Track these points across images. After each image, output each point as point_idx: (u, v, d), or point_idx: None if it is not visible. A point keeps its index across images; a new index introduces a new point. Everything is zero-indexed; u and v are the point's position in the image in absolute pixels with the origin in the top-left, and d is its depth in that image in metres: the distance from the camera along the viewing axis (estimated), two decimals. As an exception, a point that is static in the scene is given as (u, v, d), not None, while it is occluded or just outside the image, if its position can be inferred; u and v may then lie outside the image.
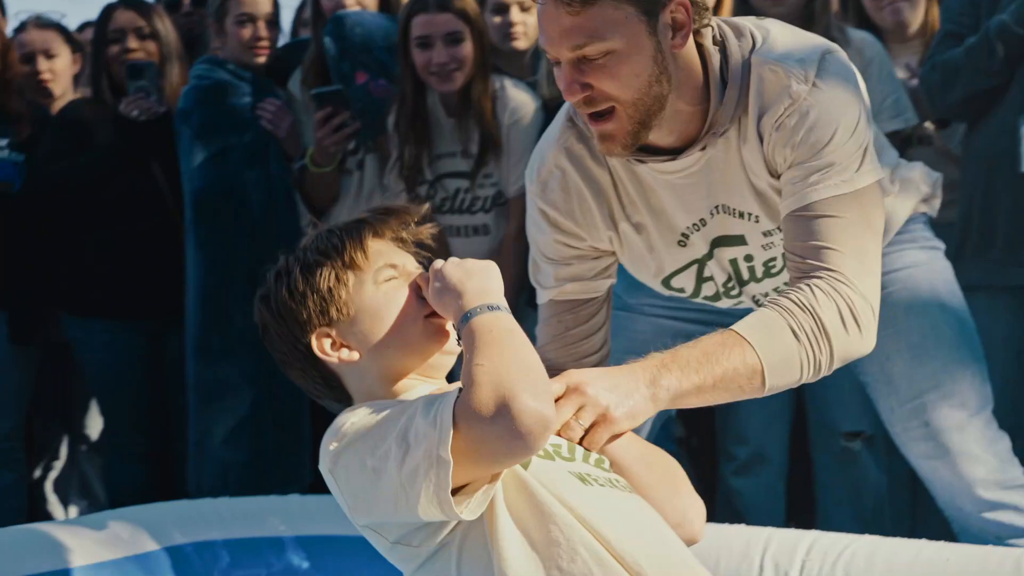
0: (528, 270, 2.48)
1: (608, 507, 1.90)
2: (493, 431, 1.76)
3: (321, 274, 2.03)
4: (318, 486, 3.02)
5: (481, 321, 1.89)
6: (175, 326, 4.35)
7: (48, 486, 4.95)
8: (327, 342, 2.04)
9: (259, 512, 2.89)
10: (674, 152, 2.25)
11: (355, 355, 2.04)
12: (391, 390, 2.04)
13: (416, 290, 2.05)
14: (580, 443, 2.00)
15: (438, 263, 2.03)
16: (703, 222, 2.35)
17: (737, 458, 4.02)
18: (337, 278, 2.03)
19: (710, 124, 2.20)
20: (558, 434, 1.99)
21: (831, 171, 2.16)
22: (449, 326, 2.03)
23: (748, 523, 2.94)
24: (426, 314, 2.04)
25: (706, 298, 2.54)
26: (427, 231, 2.08)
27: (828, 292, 2.12)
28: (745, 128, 2.20)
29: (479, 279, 1.96)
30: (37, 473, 4.93)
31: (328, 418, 4.06)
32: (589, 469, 1.98)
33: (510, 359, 1.82)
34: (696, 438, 4.38)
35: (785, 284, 2.37)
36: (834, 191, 2.16)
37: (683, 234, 2.37)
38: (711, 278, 2.48)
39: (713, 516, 2.66)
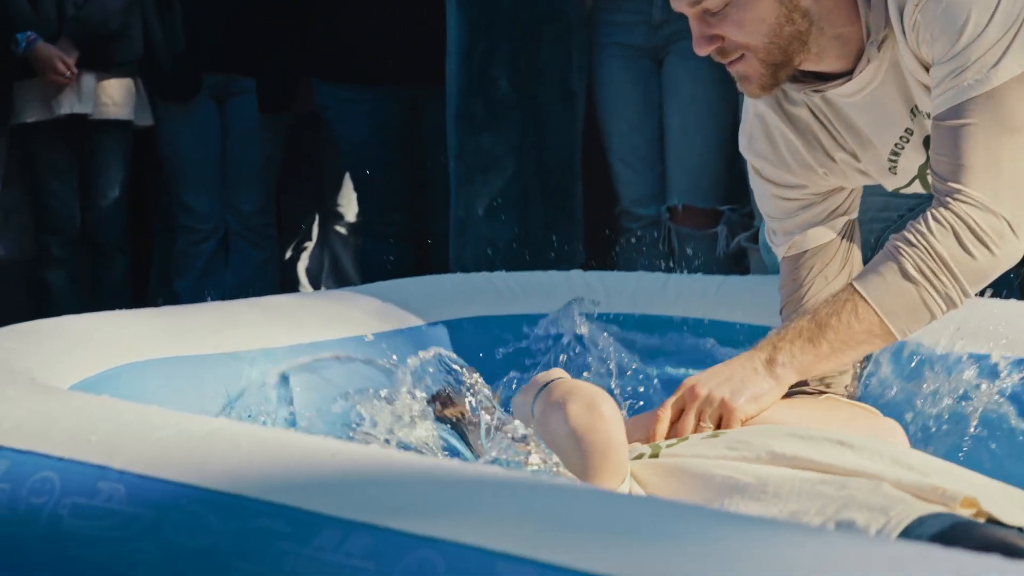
0: (767, 238, 2.45)
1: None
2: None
3: None
4: (592, 268, 2.97)
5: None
6: (435, 94, 4.33)
7: (300, 268, 5.05)
8: None
9: (543, 286, 2.83)
10: (848, 73, 2.24)
11: None
12: None
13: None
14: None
15: None
16: (909, 132, 2.28)
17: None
18: None
19: (867, 34, 2.19)
20: (695, 432, 2.07)
21: (964, 71, 2.10)
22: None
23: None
24: None
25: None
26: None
27: (944, 218, 2.11)
28: (897, 29, 2.17)
29: None
30: (288, 254, 5.02)
31: (603, 192, 3.98)
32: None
33: None
34: None
35: None
36: (963, 95, 2.10)
37: (890, 159, 2.31)
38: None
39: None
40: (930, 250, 2.09)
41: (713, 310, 2.75)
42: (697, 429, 2.07)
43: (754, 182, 2.42)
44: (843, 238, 2.36)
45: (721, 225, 3.97)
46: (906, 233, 2.13)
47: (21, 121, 4.46)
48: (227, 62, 4.58)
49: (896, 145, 2.28)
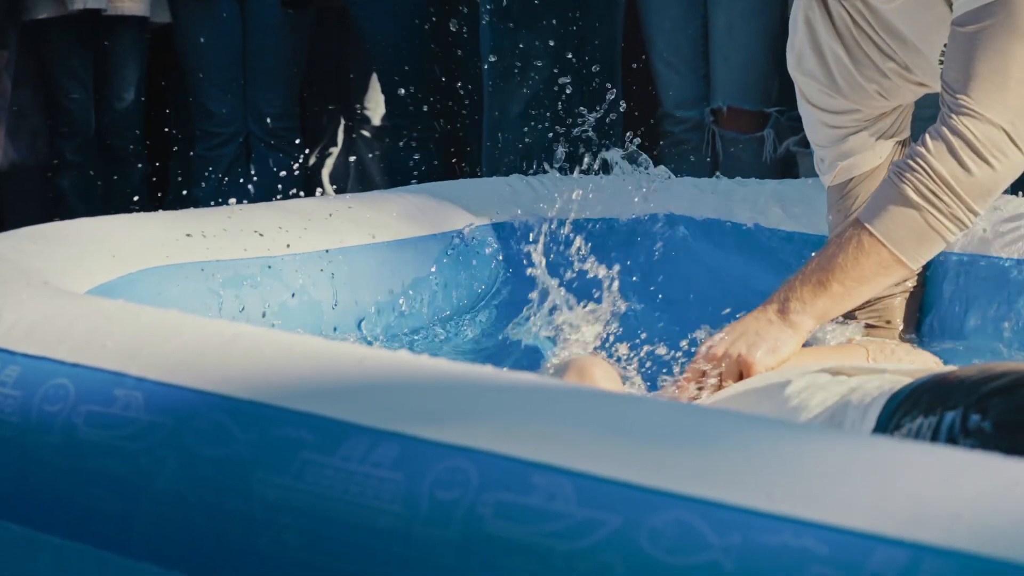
0: (815, 166, 2.47)
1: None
2: None
3: None
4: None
5: None
6: None
7: (324, 174, 5.03)
8: None
9: (584, 189, 2.81)
10: None
11: None
12: None
13: None
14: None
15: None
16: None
17: None
18: None
19: None
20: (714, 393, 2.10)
21: None
22: None
23: None
24: None
25: None
26: None
27: (942, 135, 2.10)
28: None
29: None
30: (312, 159, 5.01)
31: (644, 94, 3.93)
32: None
33: None
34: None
35: None
36: (974, 3, 2.08)
37: (941, 61, 2.26)
38: None
39: None
40: (929, 171, 2.08)
41: (764, 216, 2.72)
42: (716, 387, 2.09)
43: (802, 108, 2.41)
44: (894, 160, 2.32)
45: (769, 129, 3.92)
46: (906, 158, 2.13)
47: (32, 17, 4.43)
48: (247, -43, 4.54)
49: (942, 58, 2.25)
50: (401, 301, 2.50)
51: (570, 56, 4.04)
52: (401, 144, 4.57)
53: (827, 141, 2.38)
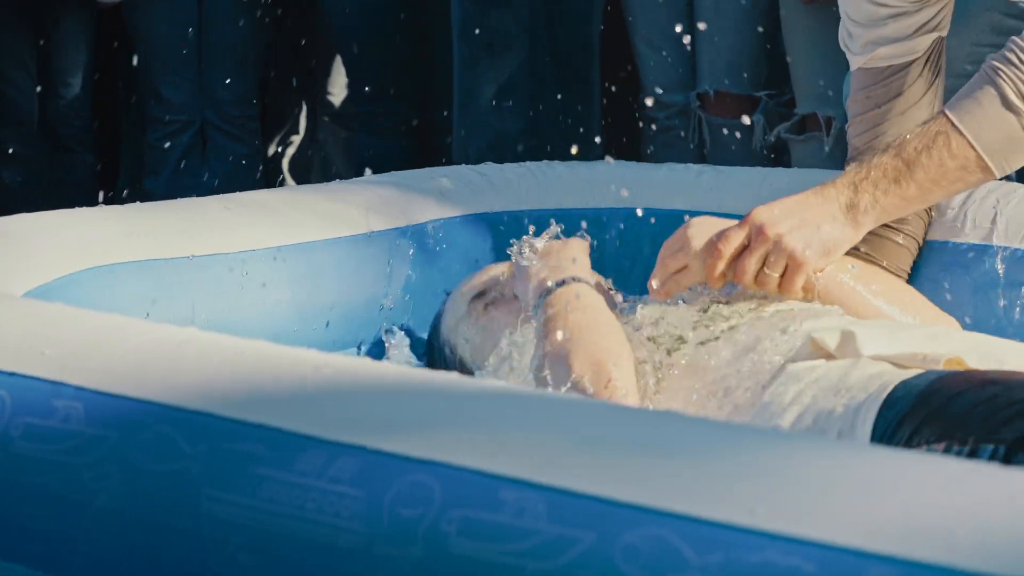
0: (839, 39, 2.42)
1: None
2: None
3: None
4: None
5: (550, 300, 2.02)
6: None
7: (285, 164, 5.02)
8: None
9: (560, 180, 2.81)
10: None
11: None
12: None
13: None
14: (779, 290, 2.10)
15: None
16: None
17: None
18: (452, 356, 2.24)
19: None
20: (755, 284, 2.08)
21: None
22: None
23: None
24: None
25: None
26: None
27: None
28: None
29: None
30: (272, 148, 4.99)
31: (625, 77, 3.92)
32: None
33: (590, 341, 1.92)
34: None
35: None
36: None
37: None
38: None
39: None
40: None
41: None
42: (759, 276, 2.06)
43: None
44: (930, 57, 2.33)
45: (758, 114, 3.92)
46: (1006, 52, 2.07)
47: (-30, -2, 4.41)
48: (204, -68, 4.52)
49: None
50: (364, 301, 2.49)
51: (545, 35, 4.04)
52: (368, 131, 4.56)
53: (864, 18, 2.32)
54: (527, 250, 2.14)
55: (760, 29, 3.89)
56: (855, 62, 2.36)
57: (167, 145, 4.63)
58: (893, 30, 2.29)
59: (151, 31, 4.59)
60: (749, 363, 1.92)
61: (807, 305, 2.09)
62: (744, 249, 2.07)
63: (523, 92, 4.07)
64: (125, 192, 4.72)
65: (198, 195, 4.34)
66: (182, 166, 4.62)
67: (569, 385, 1.87)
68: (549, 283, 2.05)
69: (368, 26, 4.44)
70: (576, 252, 2.14)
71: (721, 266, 2.07)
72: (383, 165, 4.26)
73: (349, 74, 4.66)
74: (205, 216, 2.47)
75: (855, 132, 2.35)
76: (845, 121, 2.41)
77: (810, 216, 2.07)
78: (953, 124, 2.07)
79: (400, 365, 1.42)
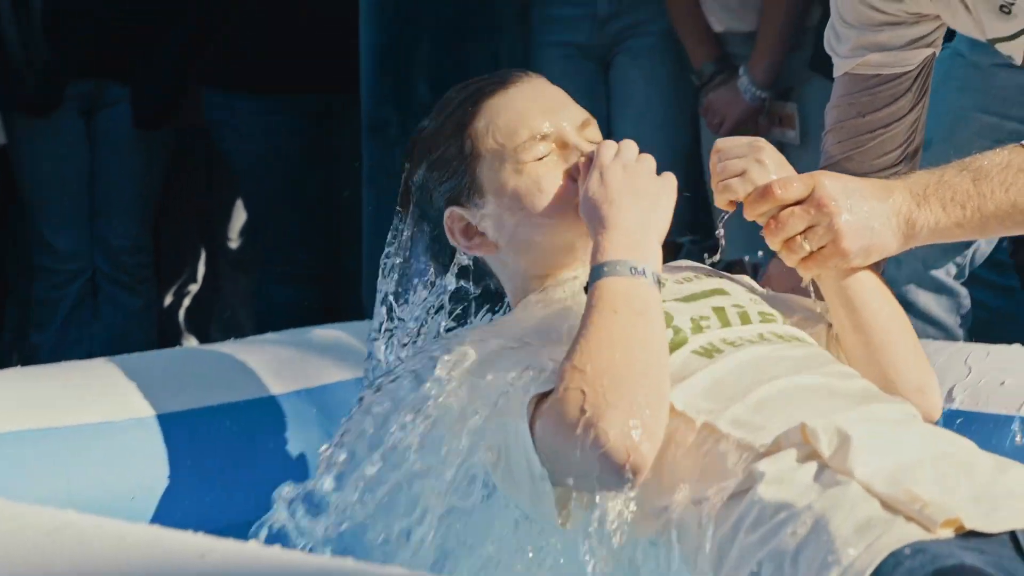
0: (824, 41, 2.47)
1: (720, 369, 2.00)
2: (572, 458, 1.88)
3: (441, 146, 2.22)
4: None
5: (610, 288, 1.96)
6: (347, 104, 4.32)
7: (182, 315, 5.00)
8: (459, 226, 2.21)
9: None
10: None
11: (491, 247, 2.19)
12: (541, 285, 2.20)
13: (574, 174, 2.14)
14: (800, 262, 2.13)
15: (603, 150, 2.08)
16: None
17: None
18: (460, 152, 2.18)
19: None
20: (783, 246, 2.10)
21: None
22: None
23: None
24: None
25: None
26: None
27: None
28: None
29: (639, 210, 2.03)
30: (168, 299, 4.98)
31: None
32: (739, 332, 2.08)
33: (619, 361, 1.89)
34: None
35: None
36: None
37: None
38: None
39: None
40: None
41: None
42: (793, 240, 2.08)
43: None
44: (920, 73, 2.39)
45: (681, 259, 3.96)
46: None
47: None
48: (96, 67, 4.54)
49: None
50: (260, 473, 2.48)
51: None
52: (272, 280, 4.57)
53: (857, 20, 2.37)
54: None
55: (681, 168, 3.95)
56: (841, 66, 2.40)
57: (55, 296, 4.60)
58: (887, 37, 2.35)
59: (38, 173, 4.58)
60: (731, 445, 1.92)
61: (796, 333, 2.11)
62: (796, 204, 2.09)
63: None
64: (10, 347, 4.70)
65: (88, 350, 4.35)
66: (71, 319, 4.59)
67: (586, 448, 1.85)
68: (618, 265, 1.98)
69: (271, 168, 4.47)
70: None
71: (766, 208, 2.09)
72: (288, 315, 4.28)
73: (251, 218, 4.67)
74: (89, 380, 2.47)
75: (834, 140, 2.40)
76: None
77: (872, 212, 2.10)
78: None
79: (289, 550, 1.41)
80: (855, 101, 2.39)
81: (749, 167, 2.11)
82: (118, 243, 4.62)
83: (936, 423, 2.20)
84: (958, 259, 3.11)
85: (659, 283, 1.99)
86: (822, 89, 2.27)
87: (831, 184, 2.09)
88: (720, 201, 2.15)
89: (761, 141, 2.15)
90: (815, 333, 2.21)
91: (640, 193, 2.04)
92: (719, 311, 2.12)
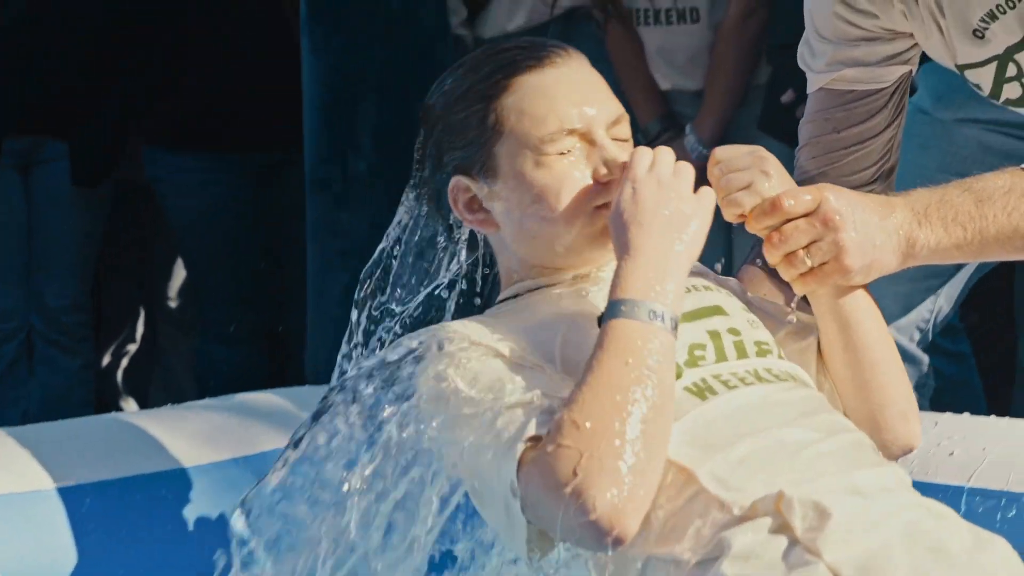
0: (798, 57, 2.47)
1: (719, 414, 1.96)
2: (555, 514, 1.84)
3: (463, 111, 2.11)
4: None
5: (625, 333, 1.90)
6: (291, 162, 4.32)
7: (120, 377, 4.97)
8: (464, 197, 2.12)
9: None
10: None
11: (493, 226, 2.12)
12: (538, 275, 2.13)
13: (595, 177, 2.07)
14: (799, 278, 2.09)
15: (638, 161, 2.00)
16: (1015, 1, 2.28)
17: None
18: (482, 123, 2.08)
19: None
20: (784, 260, 2.06)
21: None
22: None
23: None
24: (598, 204, 2.05)
25: (1008, 102, 2.48)
26: None
27: None
28: None
29: (668, 238, 1.95)
30: (107, 359, 4.95)
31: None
32: (733, 367, 2.03)
33: (621, 425, 1.84)
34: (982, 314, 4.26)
35: None
36: None
37: (981, 22, 2.32)
38: (1016, 78, 2.41)
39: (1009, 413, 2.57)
40: None
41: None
42: (793, 254, 2.05)
43: None
44: (896, 90, 2.39)
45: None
46: None
47: None
48: (34, 123, 4.51)
49: (998, 8, 2.28)
50: (195, 545, 2.45)
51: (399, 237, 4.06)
52: (214, 341, 4.55)
53: (834, 35, 2.37)
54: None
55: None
56: (816, 81, 2.40)
57: (-11, 357, 4.57)
58: (863, 53, 2.35)
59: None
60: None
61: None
62: (801, 218, 2.06)
63: (376, 294, 4.07)
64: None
65: (24, 410, 4.31)
66: (5, 381, 4.55)
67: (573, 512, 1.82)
68: (637, 304, 1.92)
69: (213, 226, 4.46)
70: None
71: (772, 222, 2.04)
72: (230, 376, 4.26)
73: (192, 277, 4.65)
74: (25, 447, 2.44)
75: (808, 155, 2.39)
76: None
77: (875, 228, 2.08)
78: None
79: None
80: (830, 116, 2.39)
81: (755, 179, 2.07)
82: (56, 302, 4.59)
83: None
84: (921, 324, 3.12)
85: (676, 327, 1.93)
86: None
87: (837, 198, 2.07)
88: (728, 215, 2.09)
89: (762, 150, 2.12)
90: (804, 348, 2.18)
91: (673, 216, 1.97)
92: (715, 338, 2.06)
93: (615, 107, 2.10)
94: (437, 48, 4.13)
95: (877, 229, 2.09)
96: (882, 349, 2.16)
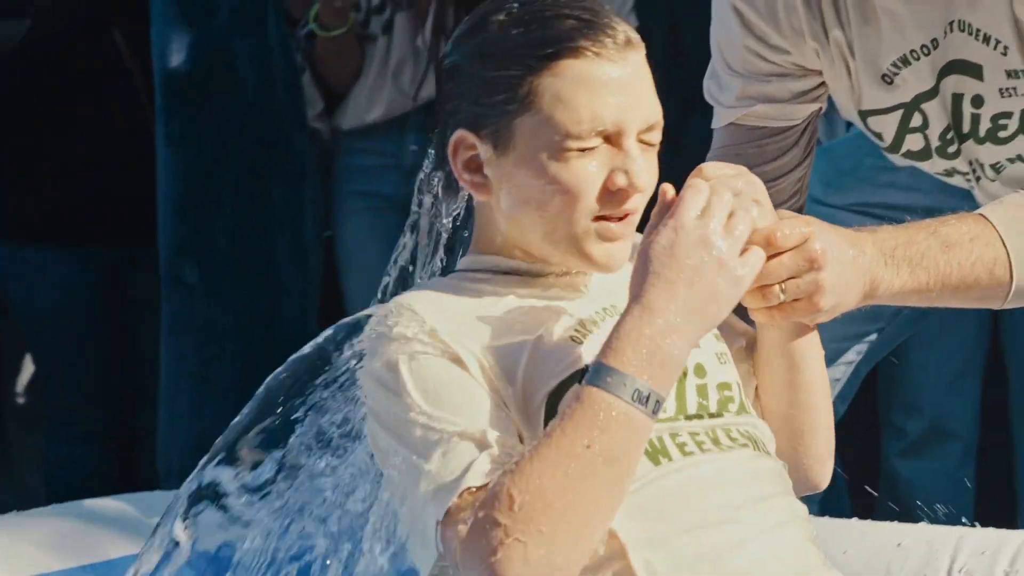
0: (704, 90, 2.48)
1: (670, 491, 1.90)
2: None
3: (496, 68, 1.96)
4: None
5: (599, 409, 1.80)
6: (143, 255, 4.29)
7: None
8: (465, 154, 1.99)
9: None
10: None
11: (486, 193, 2.00)
12: (512, 255, 2.03)
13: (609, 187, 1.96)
14: (770, 311, 2.03)
15: (689, 203, 1.86)
16: (934, 43, 2.32)
17: (908, 434, 4.08)
18: (512, 90, 1.93)
19: None
20: (757, 290, 1.98)
21: None
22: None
23: (921, 520, 2.86)
24: (599, 215, 1.95)
25: (909, 153, 2.53)
26: None
27: None
28: None
29: (687, 308, 1.83)
30: (-51, 459, 4.87)
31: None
32: (692, 427, 1.95)
33: (561, 515, 1.76)
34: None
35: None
36: None
37: (892, 67, 2.38)
38: (920, 129, 2.47)
39: (874, 510, 2.57)
40: None
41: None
42: (768, 288, 1.97)
43: (725, 25, 2.39)
44: (807, 128, 2.45)
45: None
46: None
47: None
48: None
49: (912, 54, 2.32)
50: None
51: (259, 330, 4.04)
52: (63, 441, 4.45)
53: (745, 70, 2.39)
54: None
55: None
56: (726, 116, 2.41)
57: None
58: (775, 89, 2.38)
59: None
60: None
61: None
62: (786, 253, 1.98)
63: (232, 395, 4.04)
64: None
65: None
66: None
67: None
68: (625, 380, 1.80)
69: (63, 321, 4.39)
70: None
71: (762, 255, 1.91)
72: (79, 476, 4.20)
73: (41, 372, 4.60)
74: None
75: None
76: None
77: (849, 268, 2.05)
78: (992, 224, 2.14)
79: None
80: (742, 152, 2.40)
81: (748, 208, 1.96)
82: None
83: None
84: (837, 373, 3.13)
85: (656, 412, 1.81)
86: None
87: (827, 236, 2.02)
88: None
89: (750, 174, 2.00)
90: (744, 372, 2.10)
91: (705, 289, 1.83)
92: (679, 381, 1.94)
93: (653, 113, 1.97)
94: (295, 140, 4.14)
95: (851, 269, 2.06)
96: (821, 397, 2.10)
